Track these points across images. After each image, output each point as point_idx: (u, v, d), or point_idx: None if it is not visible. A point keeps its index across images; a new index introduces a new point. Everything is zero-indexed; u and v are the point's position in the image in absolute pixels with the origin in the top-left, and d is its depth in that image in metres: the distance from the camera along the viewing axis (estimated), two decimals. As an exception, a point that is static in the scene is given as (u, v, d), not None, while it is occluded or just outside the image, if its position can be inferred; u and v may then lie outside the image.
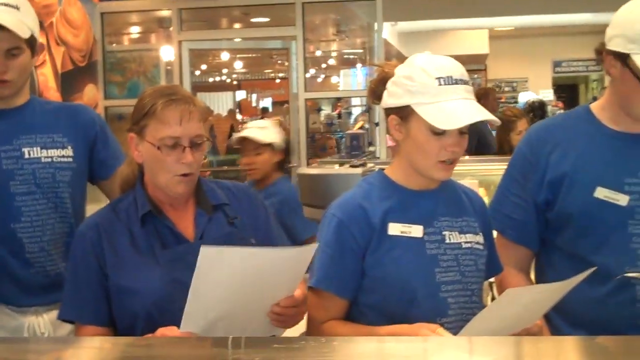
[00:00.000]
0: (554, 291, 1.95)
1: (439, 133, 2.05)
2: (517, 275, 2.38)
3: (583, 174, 2.24)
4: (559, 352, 1.68)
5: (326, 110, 13.70)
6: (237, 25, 9.89)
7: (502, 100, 17.53)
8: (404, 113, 2.09)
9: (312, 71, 11.47)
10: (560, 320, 2.28)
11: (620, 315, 2.16)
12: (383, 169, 2.24)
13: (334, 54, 12.85)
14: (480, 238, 2.20)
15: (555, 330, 2.28)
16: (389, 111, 2.14)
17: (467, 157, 5.22)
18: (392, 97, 2.12)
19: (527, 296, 1.92)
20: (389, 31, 12.06)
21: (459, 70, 2.09)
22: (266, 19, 9.36)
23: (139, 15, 9.01)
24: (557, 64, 17.29)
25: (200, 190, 2.24)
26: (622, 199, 2.20)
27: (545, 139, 2.32)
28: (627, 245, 2.18)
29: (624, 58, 2.14)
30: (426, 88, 2.05)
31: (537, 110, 7.54)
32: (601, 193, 2.21)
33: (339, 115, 12.90)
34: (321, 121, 11.54)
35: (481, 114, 2.05)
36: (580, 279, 1.93)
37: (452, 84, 2.05)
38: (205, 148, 2.18)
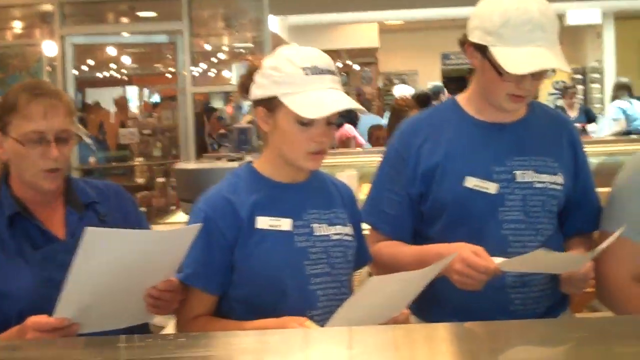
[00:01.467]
0: (418, 279, 1.97)
1: (306, 123, 2.06)
2: None
3: (453, 164, 2.28)
4: (430, 338, 1.71)
5: (217, 105, 13.61)
6: (123, 20, 9.72)
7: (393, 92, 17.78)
8: (271, 104, 2.09)
9: (203, 66, 11.35)
10: (434, 308, 2.31)
11: (491, 302, 2.21)
12: (251, 162, 2.23)
13: (225, 48, 12.76)
14: (349, 229, 2.21)
15: (429, 319, 2.32)
16: (256, 103, 2.13)
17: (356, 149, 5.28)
18: (259, 89, 2.11)
19: (391, 284, 1.94)
20: (280, 25, 12.05)
21: (324, 61, 2.09)
22: (153, 13, 9.23)
23: (22, 9, 8.76)
24: (445, 57, 17.57)
25: (70, 189, 2.20)
26: (492, 187, 2.25)
27: (415, 133, 2.35)
28: (498, 232, 2.24)
29: (483, 50, 2.20)
30: (292, 78, 2.05)
31: (422, 102, 7.66)
32: (471, 182, 2.26)
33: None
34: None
35: (347, 103, 2.07)
36: (442, 266, 1.97)
37: (318, 73, 2.06)
38: (72, 143, 2.14)
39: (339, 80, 2.12)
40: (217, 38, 11.50)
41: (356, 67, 17.22)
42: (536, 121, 2.35)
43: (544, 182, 2.28)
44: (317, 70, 2.06)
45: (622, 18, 14.71)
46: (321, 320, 2.03)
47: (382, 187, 2.39)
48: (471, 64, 2.28)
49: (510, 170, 2.26)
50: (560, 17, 14.42)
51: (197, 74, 9.82)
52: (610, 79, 14.32)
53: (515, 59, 2.13)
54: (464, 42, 2.27)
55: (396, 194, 2.35)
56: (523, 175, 2.27)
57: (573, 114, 11.66)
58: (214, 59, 12.15)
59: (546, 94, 14.81)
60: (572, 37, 16.61)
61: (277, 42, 10.55)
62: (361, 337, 1.71)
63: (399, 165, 2.34)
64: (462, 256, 2.11)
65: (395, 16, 13.85)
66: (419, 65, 17.30)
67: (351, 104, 2.08)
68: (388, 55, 17.29)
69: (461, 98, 2.38)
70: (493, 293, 2.17)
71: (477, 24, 2.21)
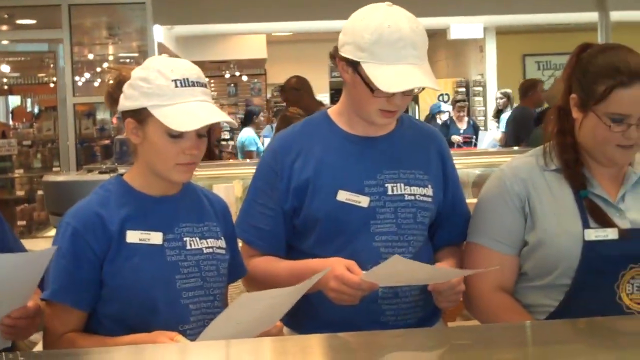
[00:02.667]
0: (290, 295, 1.97)
1: (176, 136, 2.04)
2: None
3: (325, 178, 2.28)
4: (304, 349, 1.71)
5: (102, 115, 13.35)
6: (2, 27, 9.43)
7: (283, 103, 17.80)
8: (140, 116, 2.06)
9: (87, 75, 11.11)
10: (307, 321, 2.31)
11: (363, 313, 2.22)
12: (122, 175, 2.18)
13: (110, 57, 12.54)
14: (222, 242, 2.19)
15: (302, 331, 2.31)
16: (125, 114, 2.09)
17: (230, 161, 5.25)
18: (128, 100, 2.08)
19: (263, 300, 1.94)
20: (166, 35, 11.91)
21: (195, 73, 2.08)
22: (32, 21, 8.98)
23: None
24: (333, 69, 17.74)
25: None
26: (364, 201, 2.26)
27: (288, 148, 2.34)
28: (370, 245, 2.25)
29: (354, 65, 2.20)
30: (162, 90, 2.03)
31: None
32: (343, 196, 2.26)
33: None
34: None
35: (218, 116, 2.05)
36: (313, 282, 1.97)
37: (189, 86, 2.04)
38: None
39: (209, 92, 2.11)
40: (101, 47, 11.28)
41: (244, 78, 17.18)
42: (406, 134, 2.38)
43: (414, 195, 2.30)
44: (187, 83, 2.04)
45: (503, 32, 15.16)
46: (194, 335, 2.02)
47: (255, 202, 2.37)
48: (342, 78, 2.28)
49: (382, 184, 2.28)
50: (443, 31, 14.77)
51: (80, 84, 9.59)
52: (492, 91, 14.73)
53: (387, 77, 2.14)
54: (335, 56, 2.27)
55: (269, 209, 2.33)
56: (394, 188, 2.29)
57: (462, 126, 11.93)
58: (98, 69, 11.92)
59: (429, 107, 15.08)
60: (455, 51, 17.05)
61: (164, 52, 10.43)
62: (237, 349, 1.69)
63: (272, 180, 2.33)
64: (336, 273, 2.12)
65: (283, 28, 13.89)
66: (307, 76, 17.40)
67: (222, 117, 2.07)
68: (276, 67, 17.33)
69: (332, 111, 2.39)
70: (365, 304, 2.18)
71: (348, 39, 2.22)
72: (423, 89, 2.23)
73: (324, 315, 2.25)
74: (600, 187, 2.26)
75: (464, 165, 5.09)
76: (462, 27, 14.16)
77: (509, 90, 12.13)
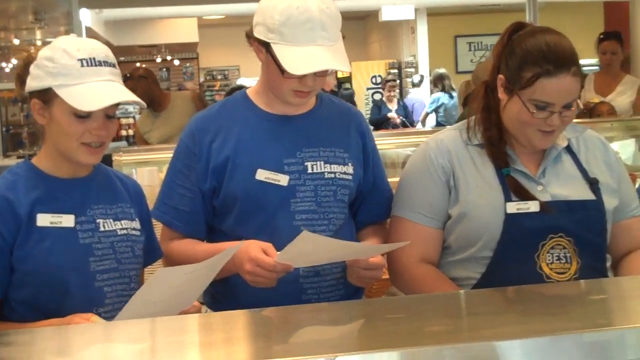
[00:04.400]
0: (204, 270, 1.96)
1: (82, 116, 2.00)
2: None
3: (243, 157, 2.27)
4: (228, 324, 1.69)
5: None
6: None
7: (217, 87, 17.71)
8: (46, 96, 2.02)
9: (14, 61, 10.89)
10: (227, 301, 2.30)
11: (284, 292, 2.21)
12: (30, 158, 2.14)
13: (38, 42, 12.30)
14: (136, 224, 2.16)
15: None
16: (32, 95, 2.05)
17: (158, 145, 5.20)
18: (33, 80, 2.03)
19: (178, 276, 1.91)
20: (94, 19, 11.73)
21: (103, 52, 2.04)
22: (-46, 6, 8.76)
23: None
24: (267, 52, 17.72)
25: None
26: (283, 179, 2.25)
27: (206, 128, 2.32)
28: (290, 223, 2.24)
29: (267, 46, 2.19)
30: (68, 69, 1.99)
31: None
32: (262, 175, 2.25)
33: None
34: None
35: (124, 95, 2.02)
36: (227, 257, 1.97)
37: (96, 65, 2.01)
38: None
39: (118, 72, 2.07)
40: (28, 32, 11.06)
41: (176, 62, 17.02)
42: (325, 113, 2.37)
43: (334, 173, 2.30)
44: (94, 62, 2.01)
45: (435, 14, 15.28)
46: (109, 318, 1.99)
47: (174, 183, 2.34)
48: (258, 58, 2.27)
49: (301, 162, 2.27)
50: (375, 13, 14.85)
51: (7, 70, 9.40)
52: (424, 72, 14.84)
53: (295, 58, 2.13)
54: (250, 36, 2.26)
55: (188, 190, 2.31)
56: (314, 166, 2.28)
57: (393, 106, 11.99)
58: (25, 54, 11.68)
59: (364, 89, 15.16)
60: (387, 33, 17.13)
61: (93, 36, 10.25)
62: (161, 326, 1.67)
63: (190, 161, 2.31)
64: (251, 255, 2.11)
65: (215, 10, 13.78)
66: (241, 60, 17.30)
67: (128, 96, 2.04)
68: (209, 50, 17.22)
69: (251, 91, 2.37)
70: (285, 284, 2.17)
71: (260, 20, 2.21)
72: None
73: (244, 296, 2.23)
74: (522, 163, 2.28)
75: (396, 145, 5.13)
76: (394, 8, 14.23)
77: (441, 70, 12.22)
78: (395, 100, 12.24)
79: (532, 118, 2.19)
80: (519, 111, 2.21)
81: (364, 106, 14.29)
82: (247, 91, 2.38)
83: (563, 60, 2.15)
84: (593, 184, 2.29)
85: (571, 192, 2.27)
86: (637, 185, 3.99)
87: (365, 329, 1.64)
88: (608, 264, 2.33)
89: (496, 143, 2.28)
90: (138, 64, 16.42)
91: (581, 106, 2.25)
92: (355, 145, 2.38)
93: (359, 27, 18.18)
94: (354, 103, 11.96)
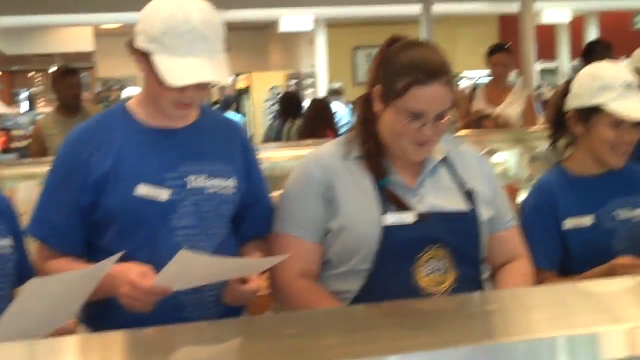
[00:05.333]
0: (81, 281, 1.92)
1: None
2: None
3: (123, 172, 2.22)
4: (104, 346, 1.64)
5: None
6: None
7: (113, 97, 17.39)
8: None
9: None
10: (104, 319, 2.24)
11: (162, 308, 2.16)
12: None
13: None
14: (7, 241, 2.10)
15: (99, 329, 2.24)
16: None
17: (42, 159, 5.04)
18: None
19: (54, 287, 1.86)
20: (-15, 26, 11.41)
21: None
22: None
23: None
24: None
25: None
26: (163, 194, 2.21)
27: (84, 142, 2.26)
28: (171, 240, 2.20)
29: (147, 55, 2.15)
30: None
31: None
32: (142, 190, 2.21)
33: None
34: None
35: None
36: (107, 266, 1.93)
37: None
38: None
39: None
40: None
41: (73, 71, 16.65)
42: (207, 126, 2.35)
43: (216, 187, 2.28)
44: None
45: (334, 25, 15.39)
46: None
47: (50, 197, 2.27)
48: (139, 68, 2.22)
49: (183, 176, 2.24)
50: (274, 24, 14.86)
51: None
52: (323, 84, 14.92)
53: (175, 70, 2.11)
54: (131, 46, 2.21)
55: (65, 205, 2.24)
56: (195, 181, 2.25)
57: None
58: None
59: (263, 101, 15.13)
60: (286, 44, 17.18)
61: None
62: (30, 350, 1.60)
63: (68, 175, 2.24)
64: (128, 278, 2.06)
65: (112, 19, 13.56)
66: (138, 70, 17.08)
67: None
68: (106, 60, 16.90)
69: (132, 103, 2.33)
70: (165, 300, 2.13)
71: (141, 29, 2.17)
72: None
73: (121, 313, 2.18)
74: (400, 174, 2.31)
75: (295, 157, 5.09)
76: (292, 19, 14.28)
77: (336, 85, 12.30)
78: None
79: (406, 128, 2.22)
80: (393, 121, 2.24)
81: (262, 116, 14.26)
82: (128, 103, 2.33)
83: (434, 69, 2.21)
84: (469, 196, 2.34)
85: (447, 203, 2.31)
86: (519, 197, 4.09)
87: (249, 346, 1.61)
88: (485, 275, 2.38)
89: (374, 155, 2.31)
90: (33, 73, 16.00)
91: (454, 117, 2.29)
92: (238, 159, 2.36)
93: (258, 38, 18.17)
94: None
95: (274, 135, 8.01)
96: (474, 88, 6.84)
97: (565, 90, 2.65)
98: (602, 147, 2.54)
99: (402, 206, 2.26)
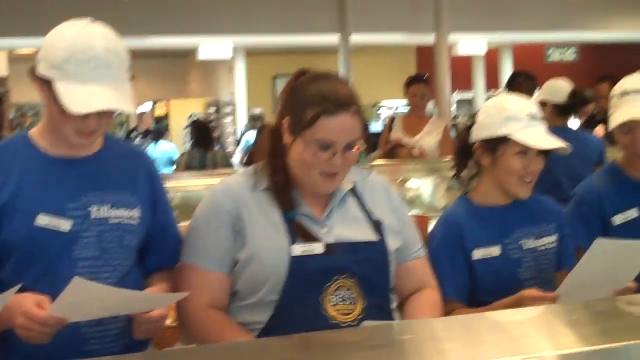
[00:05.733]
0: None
1: None
2: None
3: (23, 202, 2.16)
4: None
5: None
6: None
7: (27, 124, 17.05)
8: None
9: None
10: (7, 354, 2.17)
11: (64, 341, 2.10)
12: None
13: None
14: None
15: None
16: None
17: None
18: None
19: None
20: None
21: None
22: None
23: None
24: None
25: None
26: (65, 225, 2.16)
27: None
28: (72, 271, 2.13)
29: (49, 83, 2.11)
30: None
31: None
32: (43, 220, 2.15)
33: None
34: None
35: None
36: (5, 301, 1.87)
37: None
38: None
39: None
40: None
41: (-16, 96, 16.29)
42: (112, 155, 2.31)
43: (120, 217, 2.24)
44: None
45: (253, 54, 15.42)
46: None
47: None
48: (41, 97, 2.17)
49: (85, 206, 2.20)
50: (193, 51, 14.75)
51: None
52: (242, 111, 14.91)
53: (77, 97, 2.07)
54: (32, 73, 2.16)
55: None
56: (98, 211, 2.21)
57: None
58: None
59: (182, 127, 15.03)
60: (205, 71, 17.13)
61: None
62: None
63: None
64: (23, 309, 2.00)
65: (26, 44, 13.33)
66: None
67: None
68: (20, 85, 16.56)
69: (34, 132, 2.28)
70: (66, 332, 2.07)
71: (43, 56, 2.13)
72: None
73: (23, 347, 2.11)
74: (308, 205, 2.31)
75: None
76: (211, 47, 14.25)
77: (257, 111, 12.29)
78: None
79: (315, 159, 2.22)
80: (302, 152, 2.24)
81: (181, 145, 14.14)
82: (30, 132, 2.28)
83: (342, 100, 2.23)
84: (377, 226, 2.34)
85: (356, 233, 2.31)
86: (430, 227, 4.12)
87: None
88: (394, 304, 2.38)
89: (282, 187, 2.30)
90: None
91: (364, 144, 2.32)
92: (143, 189, 2.32)
93: (178, 65, 18.08)
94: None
95: (198, 164, 7.97)
96: (393, 118, 6.93)
97: (471, 122, 2.69)
98: (509, 177, 2.58)
99: (310, 238, 2.26)
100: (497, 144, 2.57)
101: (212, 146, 8.24)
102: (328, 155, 2.22)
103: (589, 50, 18.70)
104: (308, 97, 2.24)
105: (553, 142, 2.56)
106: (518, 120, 2.54)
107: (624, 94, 2.78)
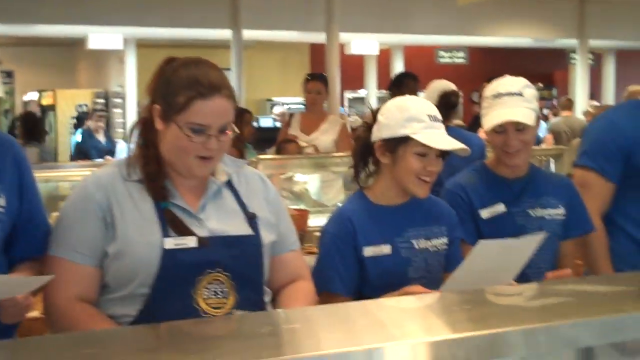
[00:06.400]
0: None
1: None
2: None
3: None
4: None
5: None
6: None
7: None
8: None
9: None
10: None
11: None
12: None
13: None
14: None
15: None
16: None
17: None
18: None
19: None
20: None
21: None
22: None
23: None
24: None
25: None
26: None
27: None
28: None
29: None
30: None
31: None
32: None
33: None
34: None
35: None
36: None
37: None
38: None
39: None
40: None
41: None
42: None
43: None
44: None
45: (145, 45, 15.17)
46: None
47: None
48: None
49: None
50: (82, 40, 14.46)
51: None
52: (132, 103, 14.66)
53: None
54: None
55: None
56: None
57: (101, 137, 11.71)
58: None
59: (68, 118, 14.71)
60: (95, 62, 16.77)
61: None
62: None
63: None
64: None
65: None
66: None
67: None
68: None
69: None
70: None
71: None
72: None
73: None
74: (182, 198, 2.28)
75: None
76: (101, 37, 13.97)
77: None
78: (102, 130, 11.93)
79: (190, 143, 2.21)
80: (176, 137, 2.22)
81: (68, 134, 13.82)
82: None
83: (215, 83, 2.22)
84: (251, 219, 2.34)
85: (230, 227, 2.30)
86: (313, 221, 4.17)
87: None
88: (268, 297, 2.38)
89: (155, 178, 2.27)
90: None
91: (237, 130, 2.30)
92: (10, 177, 2.25)
93: (66, 54, 17.62)
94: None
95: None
96: (292, 114, 6.94)
97: (372, 121, 2.71)
98: (408, 176, 2.60)
99: (183, 230, 2.23)
100: (398, 143, 2.60)
101: (43, 139, 8.10)
102: (203, 139, 2.20)
103: (478, 53, 19.18)
104: (179, 82, 2.22)
105: (453, 144, 2.60)
106: (419, 121, 2.58)
107: (497, 96, 2.85)
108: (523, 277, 2.64)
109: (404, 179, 2.62)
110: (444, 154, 2.62)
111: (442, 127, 2.63)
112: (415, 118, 2.58)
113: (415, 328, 1.79)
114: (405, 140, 2.58)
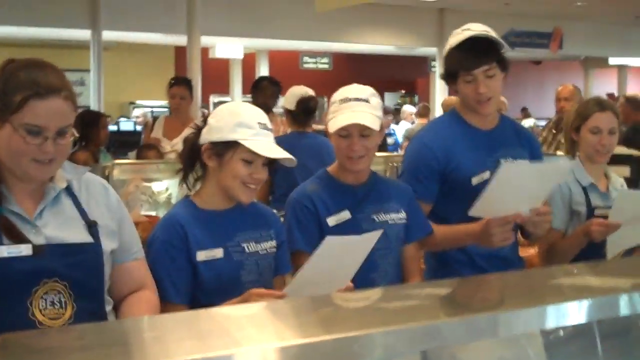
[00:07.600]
0: None
1: None
2: None
3: None
4: None
5: None
6: None
7: None
8: None
9: None
10: None
11: None
12: None
13: None
14: None
15: None
16: None
17: None
18: None
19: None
20: None
21: None
22: None
23: None
24: None
25: None
26: None
27: None
28: None
29: None
30: None
31: None
32: None
33: None
34: None
35: None
36: None
37: None
38: None
39: None
40: None
41: None
42: None
43: None
44: None
45: (1, 44, 14.67)
46: None
47: None
48: None
49: None
50: None
51: None
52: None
53: None
54: None
55: None
56: None
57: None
58: None
59: None
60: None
61: None
62: None
63: None
64: None
65: None
66: None
67: None
68: None
69: None
70: None
71: None
72: None
73: None
74: (18, 203, 2.19)
75: None
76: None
77: None
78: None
79: (25, 145, 2.12)
80: (11, 139, 2.13)
81: None
82: None
83: (53, 84, 2.14)
84: (92, 227, 2.27)
85: (69, 235, 2.23)
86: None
87: None
88: (109, 307, 2.32)
89: None
90: None
91: (76, 134, 2.22)
92: None
93: None
94: None
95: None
96: (155, 118, 6.81)
97: (202, 124, 2.68)
98: (234, 182, 2.59)
99: (18, 237, 2.14)
100: (226, 148, 2.57)
101: None
102: (39, 141, 2.12)
103: (343, 59, 19.45)
104: (17, 82, 2.13)
105: (279, 153, 2.60)
106: (249, 127, 2.56)
107: (345, 100, 2.87)
108: (370, 281, 2.67)
109: (228, 184, 2.61)
110: (270, 163, 2.62)
111: (271, 135, 2.63)
112: (246, 124, 2.57)
113: (264, 334, 1.76)
114: (234, 145, 2.57)
